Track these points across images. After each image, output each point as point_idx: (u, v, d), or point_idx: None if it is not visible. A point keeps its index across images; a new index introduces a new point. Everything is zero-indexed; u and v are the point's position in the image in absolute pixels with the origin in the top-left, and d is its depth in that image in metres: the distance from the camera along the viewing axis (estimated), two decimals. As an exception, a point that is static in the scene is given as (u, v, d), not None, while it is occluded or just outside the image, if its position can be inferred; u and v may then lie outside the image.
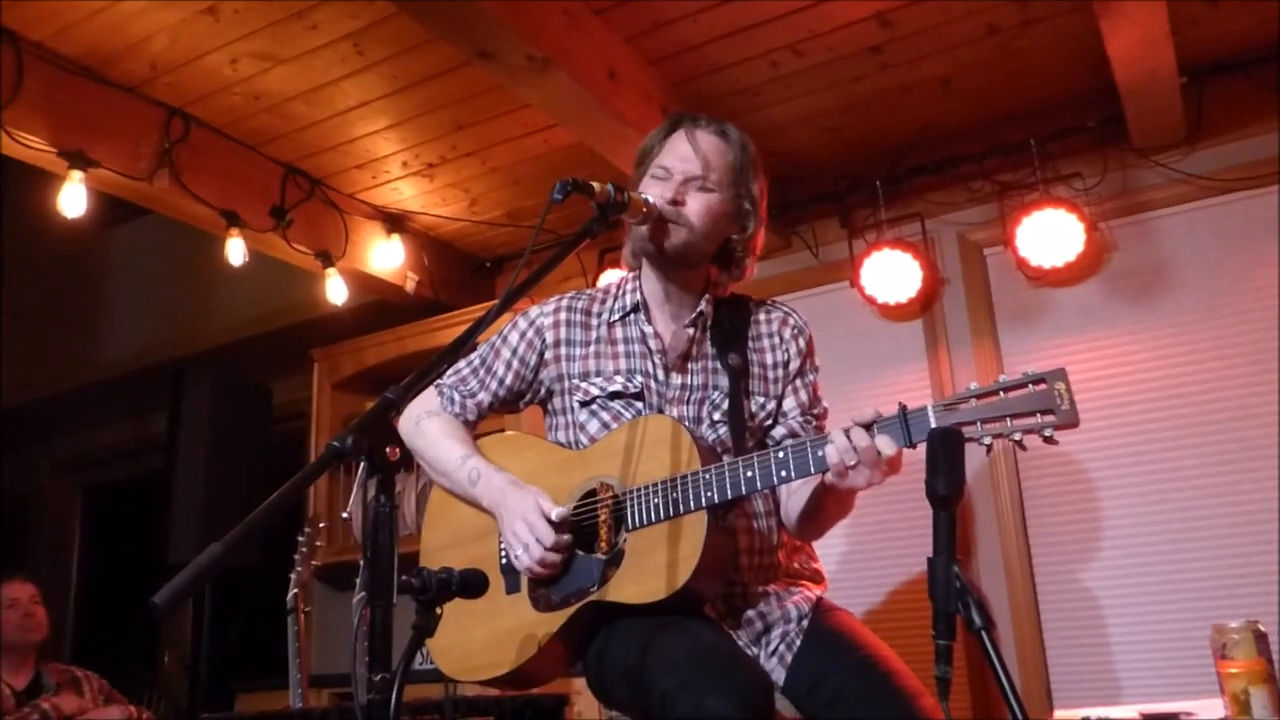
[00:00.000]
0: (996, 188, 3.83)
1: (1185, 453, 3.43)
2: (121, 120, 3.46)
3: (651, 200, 1.93)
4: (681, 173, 1.98)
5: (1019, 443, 1.59)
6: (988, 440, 1.59)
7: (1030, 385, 1.59)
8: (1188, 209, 3.58)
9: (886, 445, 1.66)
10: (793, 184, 4.11)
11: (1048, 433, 1.57)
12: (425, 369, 1.47)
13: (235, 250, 3.79)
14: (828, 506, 1.92)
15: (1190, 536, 3.37)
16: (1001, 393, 1.60)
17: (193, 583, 1.13)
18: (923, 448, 1.59)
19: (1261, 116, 3.48)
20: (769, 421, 2.06)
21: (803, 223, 4.16)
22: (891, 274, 3.82)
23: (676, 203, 1.96)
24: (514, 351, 2.12)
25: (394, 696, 1.30)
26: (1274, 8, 3.26)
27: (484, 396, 2.14)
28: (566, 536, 1.88)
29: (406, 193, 4.25)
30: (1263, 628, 1.83)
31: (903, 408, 1.68)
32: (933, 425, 1.63)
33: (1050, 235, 3.55)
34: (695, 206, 1.98)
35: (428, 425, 2.13)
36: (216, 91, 3.53)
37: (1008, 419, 1.58)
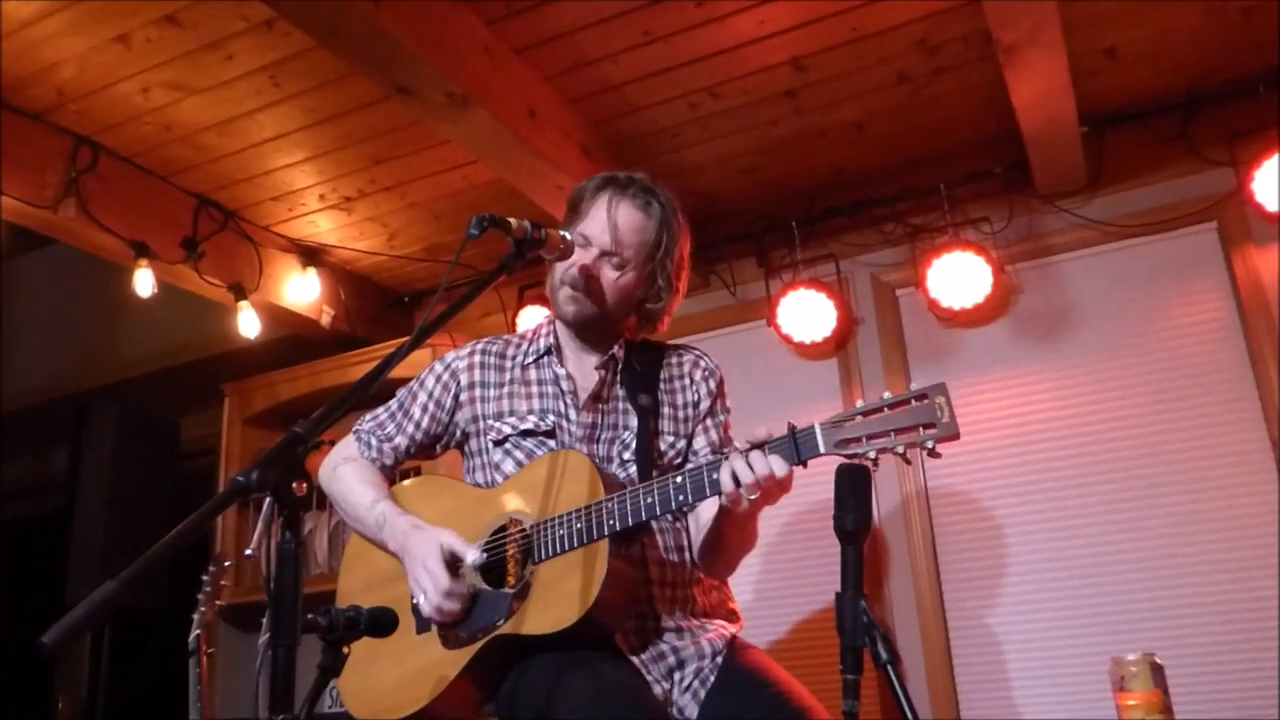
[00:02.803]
0: (908, 230, 3.93)
1: (1090, 490, 3.53)
2: (26, 148, 3.36)
3: (569, 238, 1.95)
4: (598, 245, 2.02)
5: (903, 455, 1.63)
6: (873, 454, 1.62)
7: (913, 400, 1.63)
8: (1089, 253, 3.71)
9: (778, 465, 1.69)
10: (710, 224, 4.16)
11: (930, 445, 1.61)
12: (335, 404, 1.45)
13: (143, 281, 3.70)
14: (728, 533, 1.94)
15: (1095, 572, 3.46)
16: (886, 409, 1.64)
17: (85, 621, 1.09)
18: (816, 471, 1.63)
19: (1159, 165, 3.63)
20: (679, 460, 2.10)
21: (720, 262, 4.21)
22: (807, 313, 3.88)
23: (590, 275, 2.00)
24: (430, 395, 2.14)
25: (297, 739, 1.27)
26: (1170, 62, 3.42)
27: (401, 440, 2.15)
28: (463, 587, 1.89)
29: (323, 226, 4.20)
30: (1159, 660, 1.89)
31: (791, 427, 1.71)
32: (821, 443, 1.67)
33: (959, 277, 3.65)
34: (605, 283, 2.04)
35: (344, 471, 2.15)
36: (127, 120, 3.46)
37: (892, 433, 1.62)
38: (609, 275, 2.04)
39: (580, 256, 2.01)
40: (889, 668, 1.32)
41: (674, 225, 2.09)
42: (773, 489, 1.71)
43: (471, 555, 1.87)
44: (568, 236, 1.95)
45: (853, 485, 1.43)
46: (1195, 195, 3.55)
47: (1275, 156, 3.30)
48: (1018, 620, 3.55)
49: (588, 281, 2.01)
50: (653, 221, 2.06)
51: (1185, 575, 3.34)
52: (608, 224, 2.02)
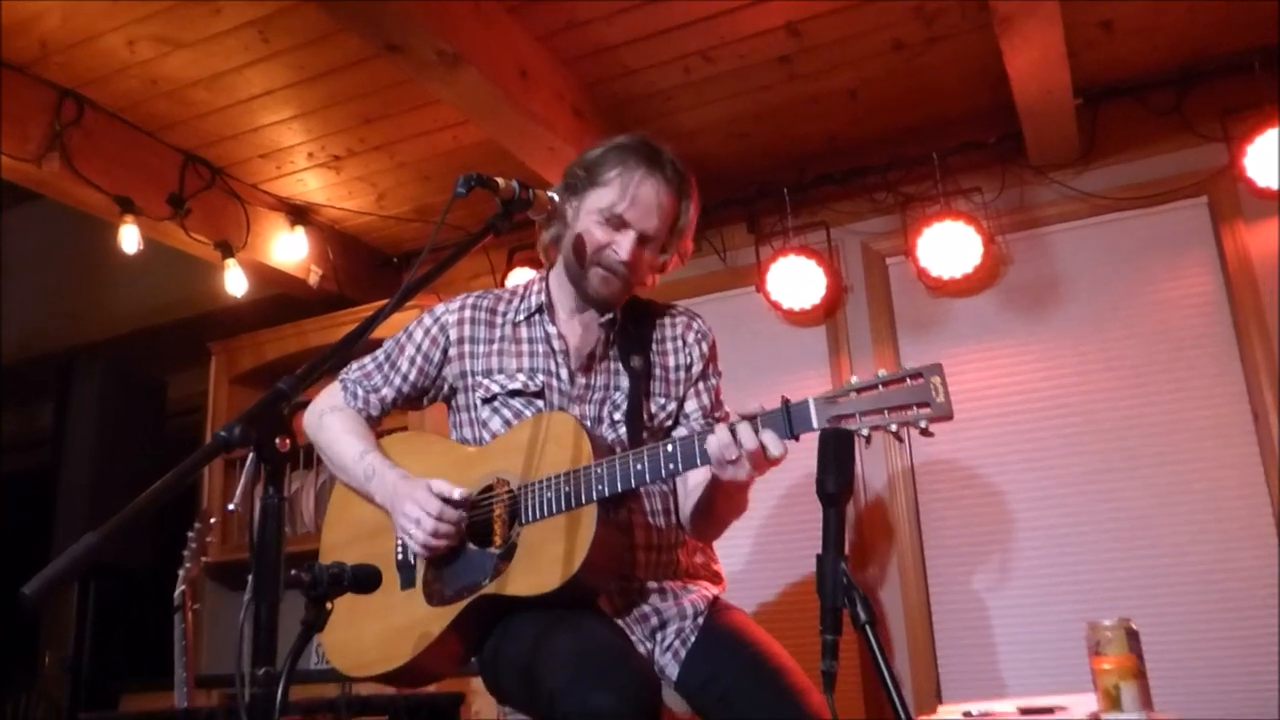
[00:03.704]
0: (899, 199, 3.92)
1: (1072, 460, 3.56)
2: (9, 100, 3.31)
3: (556, 199, 1.93)
4: (639, 229, 1.99)
5: (895, 434, 1.64)
6: (866, 431, 1.63)
7: (908, 379, 1.63)
8: (1080, 225, 3.71)
9: (770, 438, 1.69)
10: (702, 189, 4.04)
11: (923, 424, 1.61)
12: (318, 361, 1.45)
13: (129, 238, 3.67)
14: (719, 501, 1.95)
15: (1075, 540, 3.50)
16: (880, 386, 1.64)
17: (66, 573, 1.09)
18: (806, 440, 1.63)
19: (1152, 139, 3.63)
20: (670, 423, 2.09)
21: (711, 227, 4.20)
22: (797, 280, 3.88)
23: (631, 264, 1.99)
24: (418, 348, 2.12)
25: (279, 692, 1.28)
26: (1166, 36, 3.40)
27: (388, 392, 2.13)
28: (457, 516, 1.88)
29: (312, 185, 4.18)
30: (1134, 626, 1.91)
31: (785, 401, 1.71)
32: (814, 418, 1.66)
33: (950, 247, 3.65)
34: (643, 268, 2.04)
35: (330, 420, 2.12)
36: (112, 74, 3.41)
37: (885, 411, 1.62)
38: (647, 258, 2.03)
39: (616, 238, 1.98)
40: (868, 629, 1.33)
41: (697, 202, 2.09)
42: (764, 462, 1.71)
43: (459, 491, 1.88)
44: (555, 198, 1.93)
45: (835, 448, 1.43)
46: (1187, 170, 3.55)
47: (1268, 133, 3.30)
48: (997, 586, 3.58)
49: (626, 267, 1.99)
50: (686, 202, 2.06)
51: (1164, 545, 3.38)
52: (655, 208, 1.99)
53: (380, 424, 2.18)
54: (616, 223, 1.98)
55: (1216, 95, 3.53)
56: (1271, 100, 3.34)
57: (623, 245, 1.98)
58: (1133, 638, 1.91)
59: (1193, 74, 3.54)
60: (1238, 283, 3.43)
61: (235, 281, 4.08)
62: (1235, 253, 3.46)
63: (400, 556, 1.98)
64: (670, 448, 1.78)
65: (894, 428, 1.62)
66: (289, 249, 4.29)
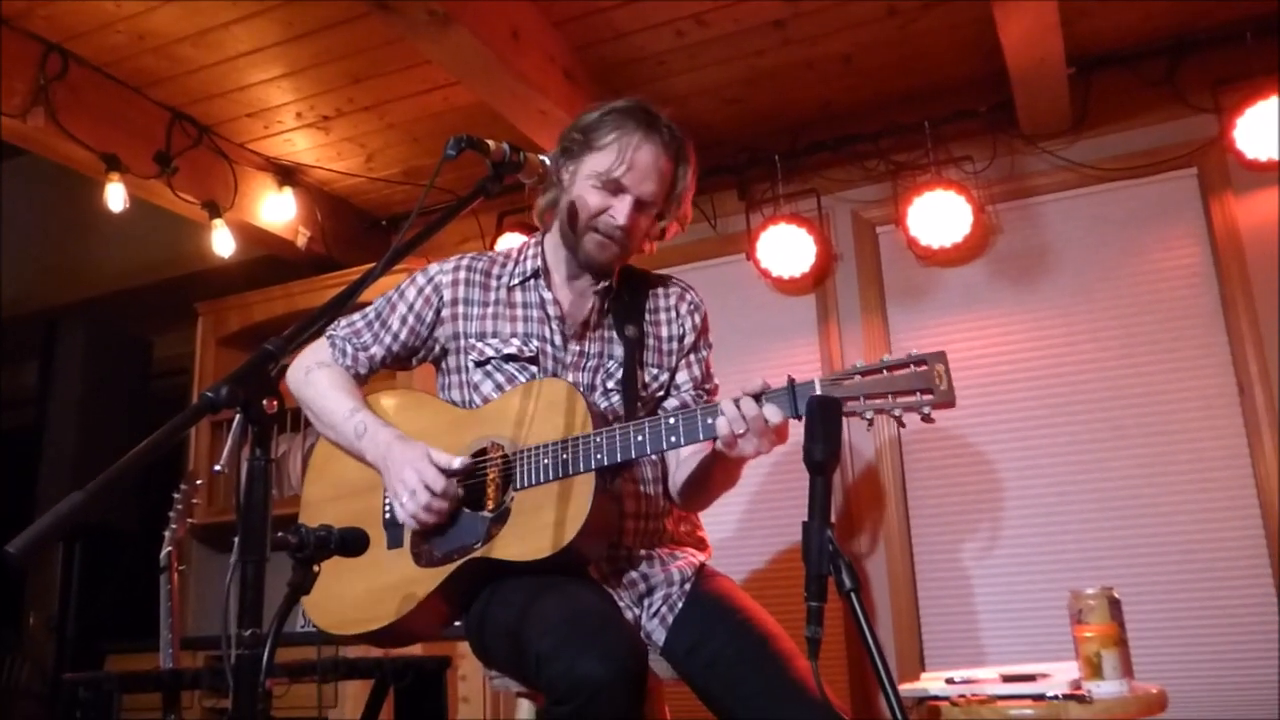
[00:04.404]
0: (890, 167, 3.91)
1: (1058, 430, 3.58)
2: (-7, 53, 3.28)
3: (548, 163, 1.92)
4: (637, 194, 1.97)
5: (899, 419, 1.65)
6: (869, 415, 1.64)
7: (912, 365, 1.64)
8: (1070, 195, 3.71)
9: (774, 415, 1.70)
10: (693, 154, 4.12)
11: (926, 410, 1.63)
12: (306, 322, 1.43)
13: (115, 196, 3.63)
14: (715, 476, 1.96)
15: (1059, 510, 3.52)
16: (885, 371, 1.65)
17: (50, 532, 1.09)
18: (807, 419, 1.64)
19: (1143, 110, 3.62)
20: (661, 393, 2.09)
21: (702, 194, 4.16)
22: (787, 248, 3.87)
23: (628, 229, 1.98)
24: (410, 307, 2.09)
25: (266, 653, 1.28)
26: (1160, 6, 3.39)
27: (377, 350, 2.10)
28: (454, 488, 1.88)
29: (300, 145, 4.14)
30: (1117, 594, 1.93)
31: (791, 380, 1.72)
32: None
33: (940, 216, 3.65)
34: (640, 234, 2.03)
35: (317, 376, 2.09)
36: (98, 28, 3.36)
37: (890, 396, 1.64)
38: (644, 223, 2.02)
39: (613, 203, 1.97)
40: (852, 595, 1.34)
41: (694, 166, 2.07)
42: (768, 438, 1.72)
43: (459, 461, 1.87)
44: (547, 161, 1.91)
45: (823, 417, 1.44)
46: (1177, 141, 3.55)
47: (1259, 104, 3.29)
48: (981, 555, 3.62)
49: (624, 233, 1.98)
50: (684, 166, 2.04)
51: (1148, 516, 3.41)
52: (652, 173, 1.97)
53: (367, 383, 2.15)
54: (614, 187, 1.97)
55: (1208, 66, 3.52)
56: (1263, 71, 3.33)
57: (620, 210, 1.97)
58: (1115, 606, 1.93)
59: (1185, 44, 3.53)
60: (1225, 255, 3.44)
61: (222, 242, 4.04)
62: (1224, 225, 3.46)
63: (388, 515, 1.97)
64: (673, 421, 1.78)
65: (898, 413, 1.64)
66: (277, 210, 4.25)
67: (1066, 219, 3.71)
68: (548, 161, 1.92)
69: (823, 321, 3.97)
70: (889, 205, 3.88)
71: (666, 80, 3.70)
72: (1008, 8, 2.92)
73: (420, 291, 2.09)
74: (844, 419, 1.56)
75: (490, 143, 1.77)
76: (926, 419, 1.63)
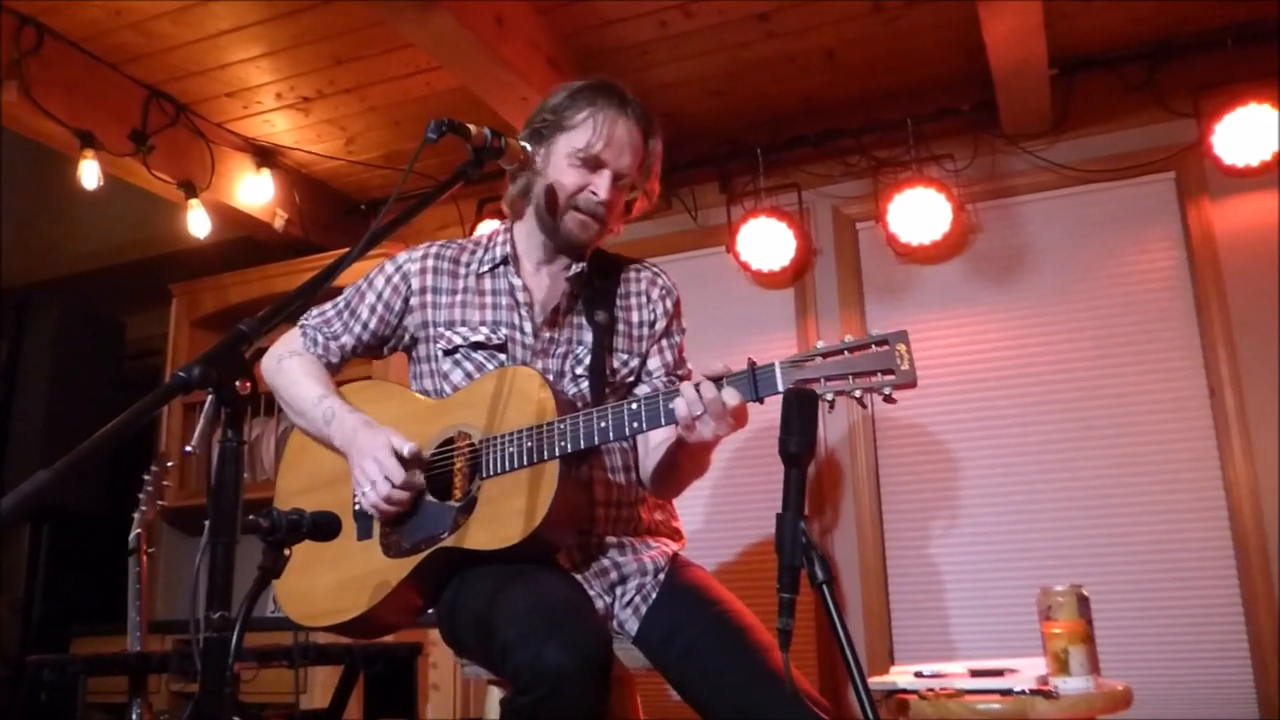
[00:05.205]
0: (872, 163, 3.92)
1: (1031, 428, 3.61)
2: (-35, 25, 3.23)
3: (529, 149, 1.91)
4: (614, 169, 1.98)
5: (859, 399, 1.64)
6: (830, 396, 1.63)
7: (873, 346, 1.63)
8: (1049, 196, 3.74)
9: (731, 398, 1.69)
10: (675, 145, 4.09)
11: (887, 391, 1.61)
12: (281, 304, 1.42)
13: (89, 173, 3.58)
14: (682, 462, 1.95)
15: (1030, 507, 3.55)
16: (846, 352, 1.64)
17: (16, 511, 1.07)
18: (770, 403, 1.63)
19: (1123, 112, 3.64)
20: (632, 379, 2.09)
21: (683, 185, 4.18)
22: (767, 242, 3.87)
23: (609, 205, 1.98)
24: (379, 296, 2.08)
25: (234, 636, 1.27)
26: (1144, 8, 3.41)
27: (347, 339, 2.10)
28: (419, 477, 1.87)
29: (279, 126, 4.10)
30: (1086, 592, 1.94)
31: (751, 363, 1.71)
32: (779, 381, 1.66)
33: (920, 213, 3.66)
34: (617, 209, 2.03)
35: (289, 364, 2.09)
36: (74, 1, 3.31)
37: (850, 377, 1.62)
38: (618, 198, 2.02)
39: (592, 180, 1.96)
40: (824, 588, 1.34)
41: (660, 138, 2.07)
42: (726, 422, 1.71)
43: (408, 448, 1.86)
44: (528, 147, 1.91)
45: (799, 409, 1.43)
46: (1156, 144, 3.58)
47: (1238, 110, 3.32)
48: (952, 551, 3.64)
49: (603, 209, 1.98)
50: (653, 140, 2.04)
51: (1117, 515, 3.44)
52: (627, 146, 1.98)
53: (340, 371, 2.15)
54: (593, 164, 1.97)
55: (1189, 71, 3.55)
56: (1243, 78, 3.36)
57: (600, 186, 1.97)
58: (1083, 603, 1.95)
59: (1166, 49, 3.56)
60: (1200, 259, 3.47)
61: (198, 222, 4.00)
62: (1199, 229, 3.49)
63: (358, 506, 1.96)
64: (635, 406, 1.77)
65: (858, 393, 1.63)
66: (254, 191, 4.21)
67: (1045, 219, 3.74)
68: (529, 147, 1.91)
69: (801, 316, 3.98)
70: (869, 201, 3.89)
71: (650, 70, 3.69)
72: (993, 7, 2.93)
73: (389, 280, 2.09)
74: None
75: (472, 127, 1.76)
76: (888, 399, 1.62)
